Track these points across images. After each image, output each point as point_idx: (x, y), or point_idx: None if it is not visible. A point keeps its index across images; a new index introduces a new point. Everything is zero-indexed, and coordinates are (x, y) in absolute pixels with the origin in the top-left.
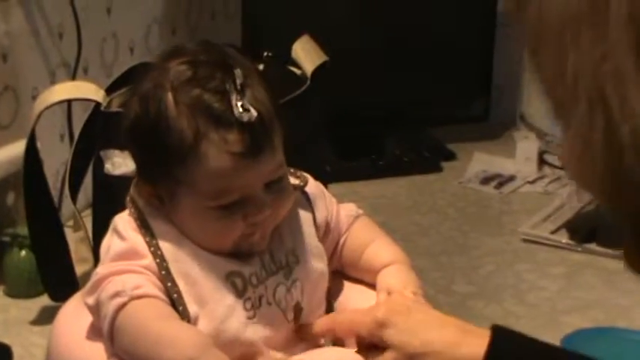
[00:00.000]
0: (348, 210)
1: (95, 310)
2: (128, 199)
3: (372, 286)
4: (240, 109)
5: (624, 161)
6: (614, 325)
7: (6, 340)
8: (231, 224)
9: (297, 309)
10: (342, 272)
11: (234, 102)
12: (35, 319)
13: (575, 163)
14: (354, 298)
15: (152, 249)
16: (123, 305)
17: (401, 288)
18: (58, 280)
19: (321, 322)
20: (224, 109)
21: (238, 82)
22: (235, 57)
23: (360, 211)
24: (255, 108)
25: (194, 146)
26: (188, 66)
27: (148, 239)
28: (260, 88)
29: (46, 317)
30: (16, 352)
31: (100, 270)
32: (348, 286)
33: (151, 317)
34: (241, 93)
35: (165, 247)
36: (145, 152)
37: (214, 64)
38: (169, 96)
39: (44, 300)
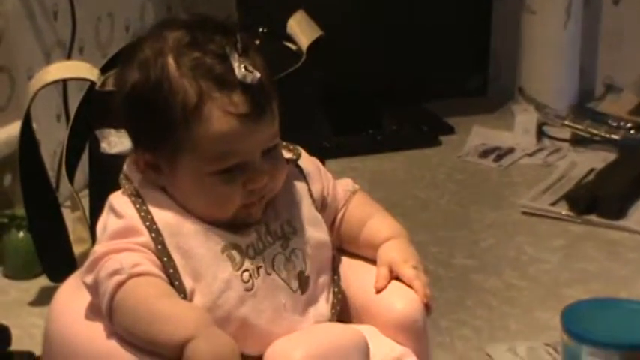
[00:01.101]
0: (344, 185)
1: (94, 288)
2: (122, 176)
3: (372, 261)
4: (243, 70)
5: None
6: (615, 296)
7: (5, 322)
8: (230, 191)
9: (302, 277)
10: (340, 248)
11: (236, 64)
12: (34, 300)
13: None
14: (353, 273)
15: (147, 224)
16: (122, 283)
17: (401, 262)
18: (56, 260)
19: None
20: (226, 71)
21: (239, 45)
22: (233, 24)
23: (357, 187)
24: (257, 70)
25: (197, 107)
26: (186, 32)
27: (142, 214)
28: (258, 55)
29: (44, 298)
30: (15, 333)
31: (98, 248)
32: (346, 261)
33: (150, 295)
34: (243, 55)
35: (161, 221)
36: (145, 119)
37: (213, 29)
38: (170, 59)
39: (43, 281)
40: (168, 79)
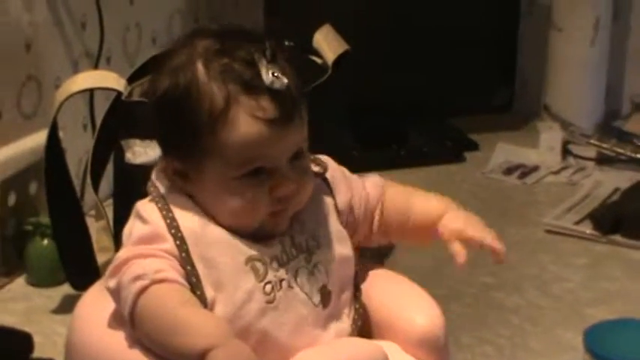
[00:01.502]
0: (374, 182)
1: (116, 293)
2: (149, 184)
3: (393, 275)
4: (271, 77)
5: None
6: (638, 316)
7: (28, 329)
8: (257, 196)
9: (324, 292)
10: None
11: (264, 70)
12: (57, 308)
13: None
14: (375, 288)
15: (173, 231)
16: (144, 289)
17: (466, 229)
18: (80, 269)
19: None
20: (254, 76)
21: (268, 51)
22: (262, 33)
23: (383, 180)
24: (285, 77)
25: (225, 111)
26: (215, 39)
27: (168, 222)
28: (287, 62)
29: (67, 306)
30: (38, 340)
31: (122, 253)
32: (368, 276)
33: (173, 303)
34: (271, 61)
35: (186, 229)
36: (174, 124)
37: (242, 36)
38: (199, 65)
39: (66, 289)
40: (197, 84)
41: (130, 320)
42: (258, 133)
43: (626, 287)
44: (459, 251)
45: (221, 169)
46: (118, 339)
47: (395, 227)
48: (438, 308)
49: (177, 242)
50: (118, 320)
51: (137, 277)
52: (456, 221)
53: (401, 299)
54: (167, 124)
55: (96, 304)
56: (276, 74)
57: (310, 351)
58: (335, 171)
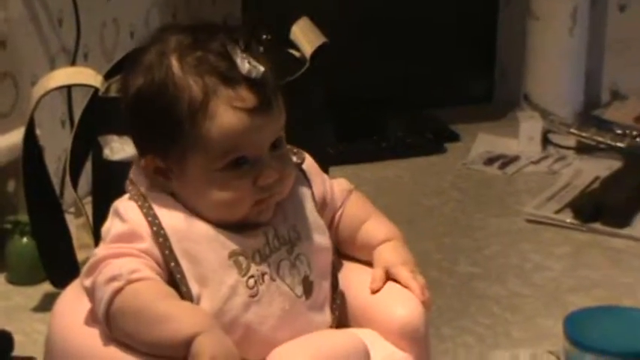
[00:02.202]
0: (340, 184)
1: (91, 293)
2: (127, 182)
3: (370, 264)
4: (247, 66)
5: None
6: (619, 303)
7: (8, 327)
8: (241, 187)
9: (307, 283)
10: (336, 250)
11: (239, 59)
12: (37, 306)
13: None
14: (352, 277)
15: (155, 229)
16: (119, 290)
17: (398, 264)
18: (60, 266)
19: None
20: (230, 67)
21: (241, 41)
22: (234, 24)
23: (352, 186)
24: (260, 65)
25: (204, 104)
26: (187, 34)
27: (150, 219)
28: (260, 51)
29: (48, 304)
30: (18, 339)
31: (98, 251)
32: (346, 265)
33: (151, 297)
34: (246, 50)
35: (169, 226)
36: (152, 121)
37: (214, 29)
38: (173, 60)
39: (46, 287)
40: (172, 78)
41: (105, 321)
42: (239, 123)
43: (607, 275)
44: (376, 277)
45: (204, 162)
46: (97, 336)
47: (343, 238)
48: (417, 299)
49: (160, 239)
50: (97, 318)
51: (112, 279)
52: (389, 253)
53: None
54: (144, 123)
55: (75, 301)
56: (252, 63)
57: (291, 344)
58: (310, 164)
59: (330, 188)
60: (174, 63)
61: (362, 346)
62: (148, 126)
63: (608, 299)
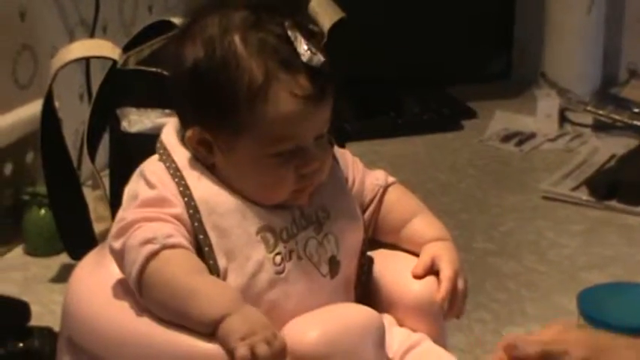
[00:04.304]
0: (374, 178)
1: (120, 255)
2: (158, 145)
3: (393, 246)
4: (309, 54)
5: None
6: (634, 280)
7: (26, 298)
8: (284, 175)
9: (333, 262)
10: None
11: (301, 47)
12: (55, 277)
13: None
14: (383, 260)
15: (186, 199)
16: (155, 253)
17: (446, 260)
18: (77, 238)
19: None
20: (292, 53)
21: (304, 27)
22: (293, 8)
23: (391, 179)
24: (321, 54)
25: (263, 88)
26: (250, 12)
27: (181, 189)
28: (319, 38)
29: (65, 275)
30: (36, 309)
31: (128, 215)
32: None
33: (184, 269)
34: (308, 38)
35: (200, 198)
36: (208, 96)
37: (277, 11)
38: (236, 38)
39: (64, 258)
40: (235, 57)
41: (136, 283)
42: (295, 110)
43: (622, 252)
44: (421, 264)
45: (253, 145)
46: (114, 307)
47: (384, 230)
48: (433, 276)
49: (191, 211)
50: (114, 288)
51: (147, 241)
52: (441, 249)
53: (398, 268)
54: (199, 96)
55: (92, 273)
56: (313, 51)
57: (305, 316)
58: (339, 150)
59: (360, 181)
60: (238, 42)
61: (376, 320)
62: (203, 99)
63: (622, 276)
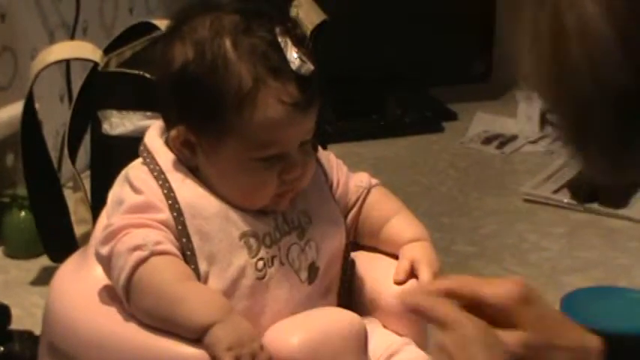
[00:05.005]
0: (358, 180)
1: (107, 261)
2: (141, 148)
3: (376, 250)
4: (299, 62)
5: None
6: (615, 284)
7: (6, 301)
8: (267, 179)
9: (312, 268)
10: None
11: (291, 54)
12: (35, 280)
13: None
14: (358, 263)
15: (170, 202)
16: (144, 260)
17: (425, 263)
18: (57, 240)
19: (446, 282)
20: (282, 59)
21: (294, 34)
22: (283, 13)
23: (374, 181)
24: (310, 62)
25: (252, 93)
26: (241, 17)
27: (165, 192)
28: (309, 45)
29: (45, 278)
30: (16, 312)
31: (116, 221)
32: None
33: (173, 276)
34: (298, 46)
35: (183, 201)
36: (195, 98)
37: (267, 16)
38: (227, 42)
39: (44, 260)
40: (225, 61)
41: (124, 290)
42: (282, 117)
43: (604, 255)
44: (401, 269)
45: (238, 148)
46: (95, 310)
47: (365, 232)
48: (414, 279)
49: (174, 214)
50: (95, 292)
51: (136, 247)
52: (418, 251)
53: (379, 271)
54: (187, 96)
55: (73, 276)
56: (303, 59)
57: (287, 320)
58: (323, 153)
59: (345, 184)
60: (229, 46)
61: (358, 325)
62: (190, 100)
63: (604, 280)
